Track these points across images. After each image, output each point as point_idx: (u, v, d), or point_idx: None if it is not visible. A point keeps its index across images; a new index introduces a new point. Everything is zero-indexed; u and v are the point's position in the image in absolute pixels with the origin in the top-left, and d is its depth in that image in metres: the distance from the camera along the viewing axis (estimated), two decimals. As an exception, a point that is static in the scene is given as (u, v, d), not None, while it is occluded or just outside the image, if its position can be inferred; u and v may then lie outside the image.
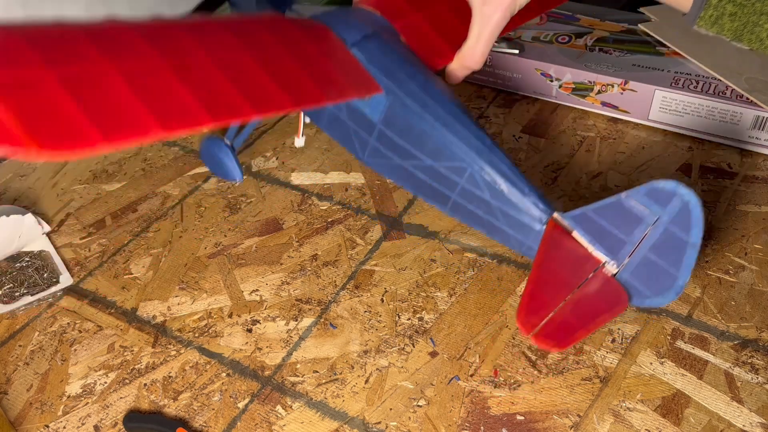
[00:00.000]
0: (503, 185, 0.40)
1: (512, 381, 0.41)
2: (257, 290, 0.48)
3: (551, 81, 0.63)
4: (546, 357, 0.43)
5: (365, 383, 0.41)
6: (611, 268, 0.38)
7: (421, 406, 0.40)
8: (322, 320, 0.45)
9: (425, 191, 0.43)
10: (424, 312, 0.46)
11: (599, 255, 0.38)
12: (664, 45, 0.64)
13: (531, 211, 0.39)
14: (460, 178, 0.40)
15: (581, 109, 0.63)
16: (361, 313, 0.46)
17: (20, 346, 0.44)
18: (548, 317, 0.36)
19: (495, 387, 0.41)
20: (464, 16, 0.45)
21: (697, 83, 0.59)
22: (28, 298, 0.47)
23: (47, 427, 0.40)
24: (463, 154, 0.40)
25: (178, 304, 0.47)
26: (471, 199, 0.41)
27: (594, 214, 0.37)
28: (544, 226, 0.39)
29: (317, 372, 0.42)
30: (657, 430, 0.39)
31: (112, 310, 0.47)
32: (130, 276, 0.49)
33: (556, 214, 0.39)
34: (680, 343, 0.43)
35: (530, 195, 0.39)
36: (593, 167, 0.57)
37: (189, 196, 0.56)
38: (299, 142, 0.55)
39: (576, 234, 0.38)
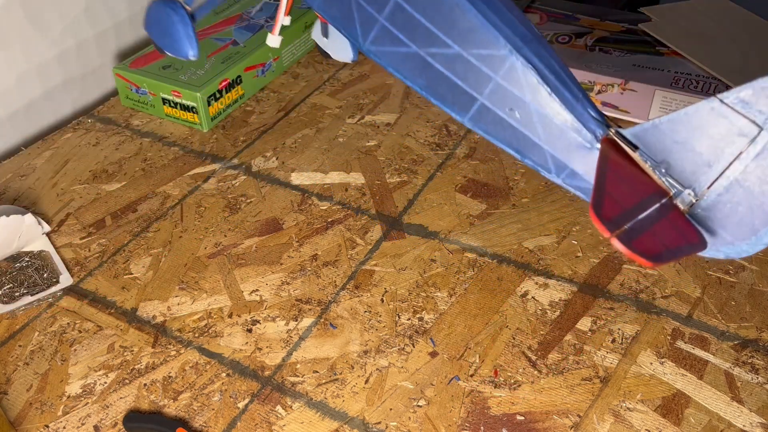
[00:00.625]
0: (552, 84, 0.31)
1: (512, 381, 0.41)
2: (257, 290, 0.47)
3: (551, 81, 0.63)
4: (546, 357, 0.43)
5: (365, 383, 0.41)
6: (683, 200, 0.29)
7: (421, 406, 0.40)
8: (322, 320, 0.45)
9: (442, 91, 0.33)
10: (424, 312, 0.46)
11: (667, 184, 0.29)
12: (664, 45, 0.64)
13: (583, 121, 0.31)
14: (496, 72, 0.31)
15: (581, 109, 0.63)
16: (361, 313, 0.46)
17: (20, 346, 0.44)
18: (629, 225, 0.28)
19: (495, 387, 0.41)
20: None
21: (698, 83, 0.59)
22: (28, 298, 0.47)
23: (47, 427, 0.40)
24: (505, 39, 0.31)
25: (178, 304, 0.47)
26: (504, 102, 0.32)
27: (668, 128, 0.28)
28: (598, 145, 0.31)
29: (317, 372, 0.42)
30: (657, 431, 0.39)
31: (112, 310, 0.47)
32: (130, 276, 0.49)
33: (614, 129, 0.31)
34: (680, 343, 0.43)
35: (584, 101, 0.31)
36: (593, 167, 0.57)
37: (189, 196, 0.56)
38: (273, 40, 0.44)
39: (638, 156, 0.29)
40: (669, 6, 0.69)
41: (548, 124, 0.31)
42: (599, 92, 0.62)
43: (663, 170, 0.29)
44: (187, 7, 0.41)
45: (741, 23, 0.67)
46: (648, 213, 0.29)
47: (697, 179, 0.28)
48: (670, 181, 0.29)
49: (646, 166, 0.30)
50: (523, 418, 0.39)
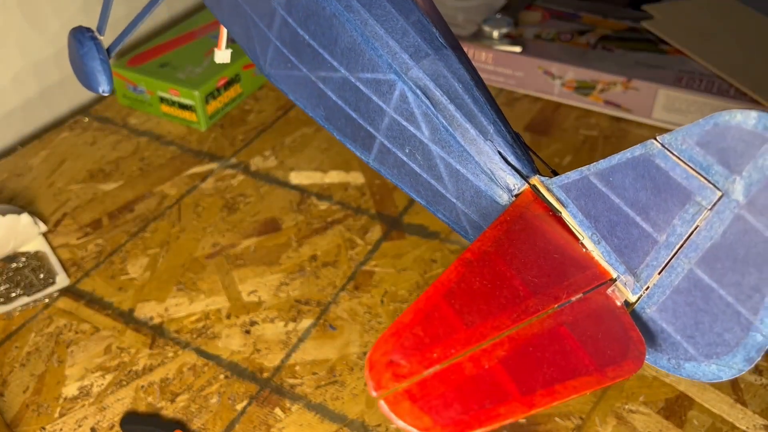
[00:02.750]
0: (452, 118, 0.24)
1: (514, 383, 0.41)
2: (255, 291, 0.47)
3: (553, 79, 0.63)
4: (548, 359, 0.42)
5: (365, 385, 0.41)
6: (625, 290, 0.21)
7: (421, 409, 0.40)
8: (322, 321, 0.45)
9: (340, 124, 0.27)
10: (424, 313, 0.45)
11: (606, 263, 0.21)
12: (667, 43, 0.64)
13: (496, 168, 0.23)
14: (386, 103, 0.25)
15: (584, 108, 0.63)
16: (361, 315, 0.45)
17: (16, 347, 0.44)
18: (437, 366, 0.19)
19: (496, 389, 0.41)
20: None
21: (701, 82, 0.59)
22: (25, 299, 0.46)
23: (44, 429, 0.39)
24: (390, 57, 0.24)
25: (176, 305, 0.46)
26: (402, 141, 0.25)
27: (601, 182, 0.21)
28: (512, 200, 0.24)
29: (316, 374, 0.42)
30: (660, 434, 0.38)
31: (109, 312, 0.46)
32: (127, 277, 0.48)
33: (536, 178, 0.23)
34: (684, 345, 0.43)
35: (495, 138, 0.24)
36: (595, 166, 0.56)
37: (186, 195, 0.55)
38: (221, 56, 0.39)
39: (568, 216, 0.22)
40: (672, 4, 0.69)
41: (453, 171, 0.24)
42: (602, 90, 0.61)
43: (598, 243, 0.21)
44: (99, 36, 0.38)
45: (745, 21, 0.66)
46: (539, 316, 0.19)
47: (642, 260, 0.20)
48: (609, 259, 0.21)
49: (578, 231, 0.21)
50: (524, 420, 0.39)
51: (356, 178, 0.56)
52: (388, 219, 0.52)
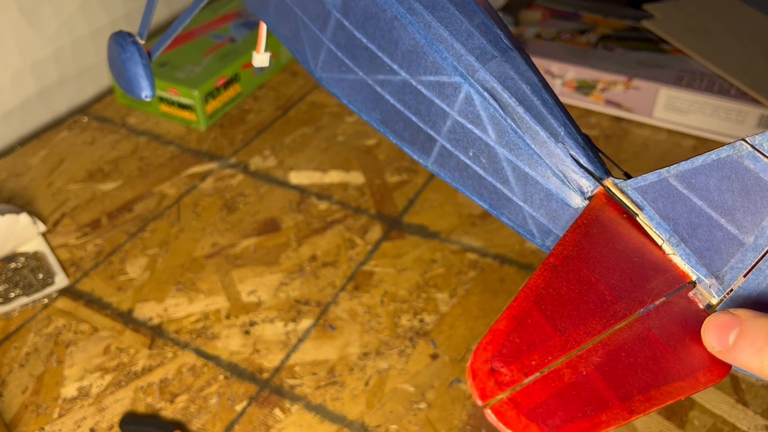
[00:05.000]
0: (522, 120, 0.23)
1: (514, 384, 0.41)
2: (255, 291, 0.47)
3: (554, 78, 0.62)
4: (548, 359, 0.42)
5: (365, 386, 0.41)
6: (707, 293, 0.20)
7: (421, 409, 0.40)
8: (321, 322, 0.45)
9: (399, 128, 0.27)
10: (424, 313, 0.45)
11: (686, 266, 0.21)
12: (667, 42, 0.64)
13: (568, 171, 0.23)
14: (450, 106, 0.24)
15: (585, 108, 0.63)
16: (361, 315, 0.45)
17: (15, 347, 0.44)
18: (537, 374, 0.19)
19: (497, 390, 0.40)
20: None
21: (702, 81, 0.58)
22: (23, 300, 0.46)
23: (42, 429, 0.39)
24: (455, 59, 0.24)
25: (175, 305, 0.46)
26: (466, 144, 0.25)
27: (682, 184, 0.20)
28: (586, 202, 0.23)
29: (316, 374, 0.42)
30: (661, 434, 0.38)
31: (108, 312, 0.46)
32: (126, 277, 0.48)
33: (610, 180, 0.23)
34: (685, 345, 0.43)
35: (566, 140, 0.23)
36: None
37: (186, 195, 0.55)
38: (260, 59, 0.38)
39: (644, 218, 0.22)
40: (673, 3, 0.68)
41: (521, 174, 0.24)
42: (603, 90, 0.61)
43: (678, 246, 0.21)
44: (140, 41, 0.37)
45: (745, 20, 0.66)
46: (627, 321, 0.19)
47: (726, 262, 0.20)
48: (689, 262, 0.20)
49: (655, 234, 0.21)
50: (525, 421, 0.39)
51: (356, 177, 0.56)
52: (388, 219, 0.52)
